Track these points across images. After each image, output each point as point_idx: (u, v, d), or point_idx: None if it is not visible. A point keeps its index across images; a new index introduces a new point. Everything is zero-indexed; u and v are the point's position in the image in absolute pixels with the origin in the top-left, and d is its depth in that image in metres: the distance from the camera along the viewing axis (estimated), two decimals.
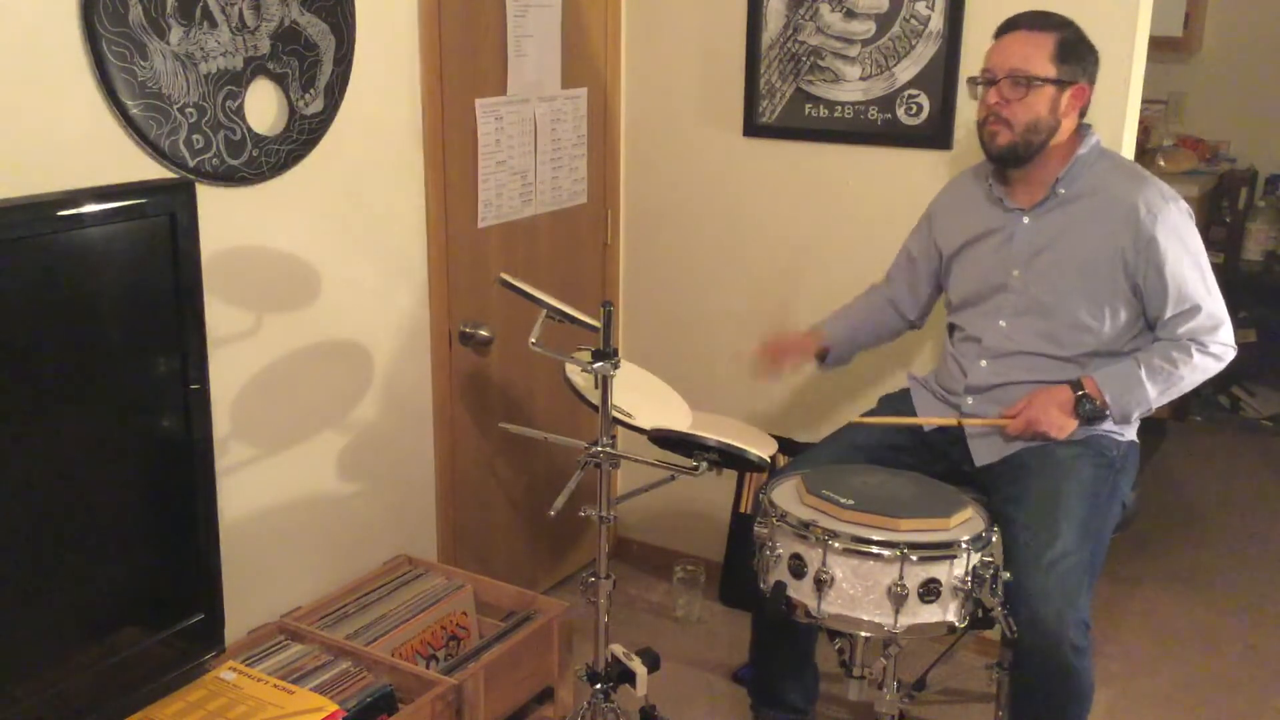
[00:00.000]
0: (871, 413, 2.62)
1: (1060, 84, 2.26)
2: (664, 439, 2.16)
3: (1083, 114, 2.34)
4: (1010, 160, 2.33)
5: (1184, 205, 2.30)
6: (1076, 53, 2.27)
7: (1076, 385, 2.27)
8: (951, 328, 2.56)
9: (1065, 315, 2.33)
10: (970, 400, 2.43)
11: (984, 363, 2.42)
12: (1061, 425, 2.27)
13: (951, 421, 2.44)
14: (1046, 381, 2.33)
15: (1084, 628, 2.10)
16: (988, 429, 2.38)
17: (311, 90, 2.32)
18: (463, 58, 2.70)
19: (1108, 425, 2.34)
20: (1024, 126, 2.27)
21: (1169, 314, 2.26)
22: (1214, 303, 2.27)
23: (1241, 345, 2.37)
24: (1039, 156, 2.31)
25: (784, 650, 2.53)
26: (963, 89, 2.71)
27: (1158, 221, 2.24)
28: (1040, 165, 2.33)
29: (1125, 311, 2.31)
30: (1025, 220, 2.37)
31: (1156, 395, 2.26)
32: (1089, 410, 2.26)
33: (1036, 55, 2.25)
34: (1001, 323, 2.40)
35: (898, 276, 2.66)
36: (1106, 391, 2.26)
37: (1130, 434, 2.40)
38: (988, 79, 2.30)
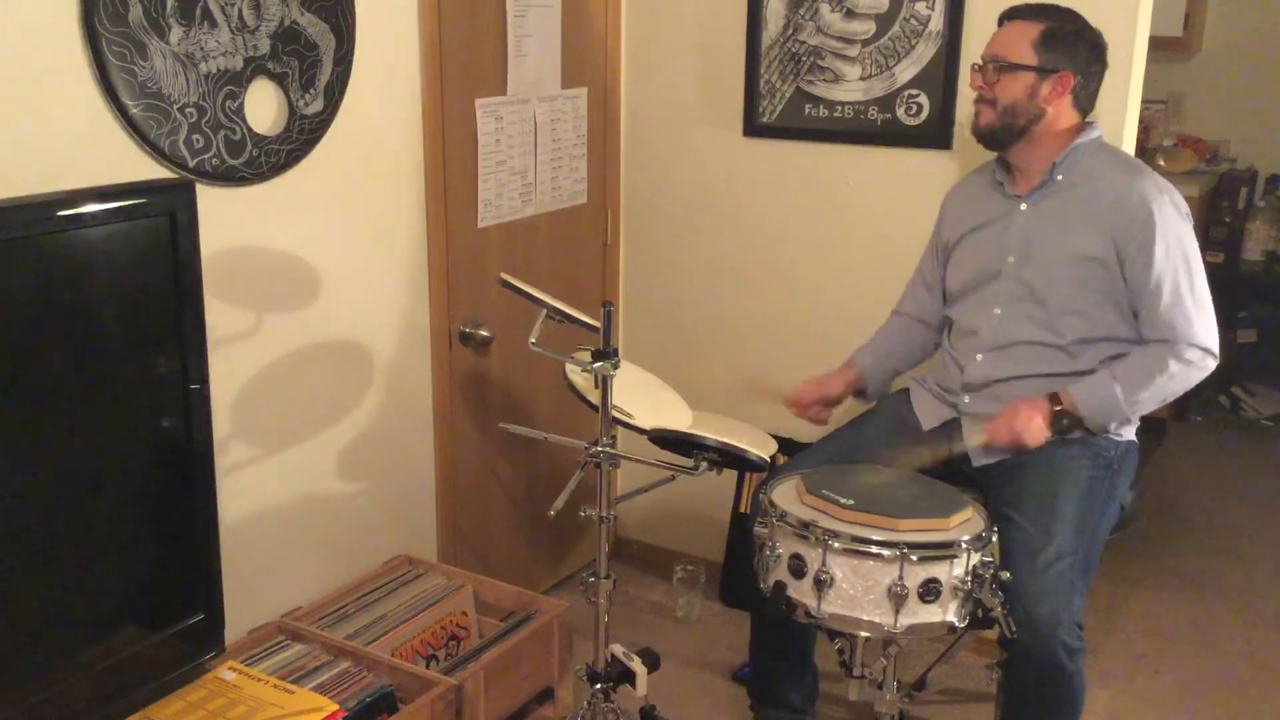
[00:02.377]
0: (871, 412, 2.62)
1: (1041, 71, 2.29)
2: (664, 439, 2.16)
3: (1080, 105, 2.34)
4: (990, 141, 2.39)
5: (1179, 199, 2.30)
6: (1063, 42, 2.29)
7: (1055, 400, 2.28)
8: (948, 324, 2.55)
9: (1059, 301, 2.33)
10: (967, 398, 2.43)
11: (980, 357, 2.42)
12: (1036, 434, 2.26)
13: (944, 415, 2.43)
14: (1042, 375, 2.34)
15: (1077, 629, 2.11)
16: (983, 430, 2.38)
17: (311, 90, 2.32)
18: (463, 58, 2.70)
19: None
20: (1002, 108, 2.33)
21: (1149, 305, 2.26)
22: (1194, 300, 2.26)
23: (1241, 345, 2.37)
24: (1025, 140, 2.34)
25: (784, 650, 2.54)
26: (963, 89, 2.72)
27: (1150, 211, 2.24)
28: (1033, 149, 2.35)
29: (1118, 298, 2.30)
30: (1023, 207, 2.38)
31: (1132, 409, 2.27)
32: (1064, 426, 2.27)
33: (1019, 42, 2.31)
34: (997, 310, 2.40)
35: (915, 284, 2.66)
36: (1082, 408, 2.27)
37: (1129, 434, 2.40)
38: (977, 65, 2.39)
